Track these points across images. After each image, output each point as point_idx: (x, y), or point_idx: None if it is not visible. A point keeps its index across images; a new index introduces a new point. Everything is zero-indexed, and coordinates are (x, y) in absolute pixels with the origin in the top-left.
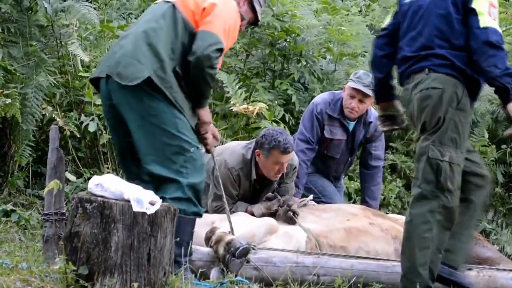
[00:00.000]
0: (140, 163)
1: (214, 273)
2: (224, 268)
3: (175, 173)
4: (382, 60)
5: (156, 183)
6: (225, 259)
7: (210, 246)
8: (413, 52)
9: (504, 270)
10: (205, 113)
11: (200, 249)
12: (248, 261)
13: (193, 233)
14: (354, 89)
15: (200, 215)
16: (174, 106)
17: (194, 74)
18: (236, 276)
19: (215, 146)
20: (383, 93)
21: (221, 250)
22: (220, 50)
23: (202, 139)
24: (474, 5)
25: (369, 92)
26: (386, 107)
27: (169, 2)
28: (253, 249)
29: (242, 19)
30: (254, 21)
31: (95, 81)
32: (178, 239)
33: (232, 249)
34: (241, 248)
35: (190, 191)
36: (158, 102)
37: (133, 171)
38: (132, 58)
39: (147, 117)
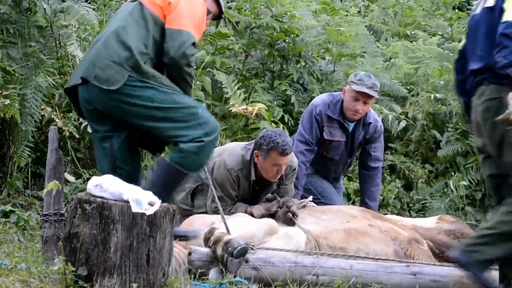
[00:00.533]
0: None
1: (213, 273)
2: (223, 268)
3: (192, 129)
4: (462, 84)
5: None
6: (224, 259)
7: (209, 247)
8: (476, 66)
9: None
10: None
11: (199, 250)
12: (246, 261)
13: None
14: (358, 92)
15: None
16: (163, 87)
17: (172, 75)
18: (234, 276)
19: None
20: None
21: (219, 250)
22: (193, 44)
23: None
24: (504, 4)
25: (373, 93)
26: None
27: (134, 1)
28: (252, 249)
29: (209, 12)
30: (218, 15)
31: (71, 90)
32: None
33: (230, 249)
34: (239, 247)
35: (210, 132)
36: (147, 89)
37: (104, 171)
38: (106, 59)
39: (145, 106)
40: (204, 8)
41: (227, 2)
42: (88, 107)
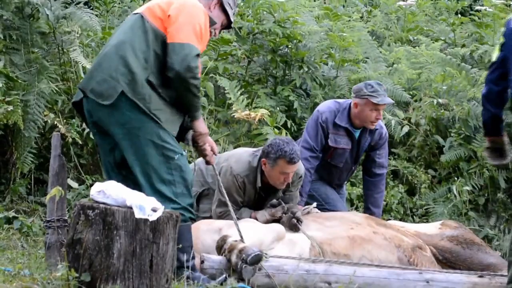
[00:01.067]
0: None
1: (246, 271)
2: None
3: (164, 184)
4: (499, 95)
5: (147, 194)
6: (238, 266)
7: (222, 254)
8: None
9: None
10: (200, 125)
11: (211, 257)
12: (260, 269)
13: (192, 238)
14: (380, 104)
15: (194, 220)
16: (149, 117)
17: (178, 89)
18: (248, 283)
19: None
20: (495, 127)
21: (233, 258)
22: (197, 55)
23: (200, 151)
24: None
25: (391, 101)
26: (496, 140)
27: (137, 13)
28: (265, 256)
29: (213, 23)
30: (227, 24)
31: (78, 104)
32: (181, 245)
33: (244, 256)
34: (253, 255)
35: (181, 199)
36: (138, 113)
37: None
38: (104, 74)
39: (130, 129)
40: (206, 18)
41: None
42: (90, 119)
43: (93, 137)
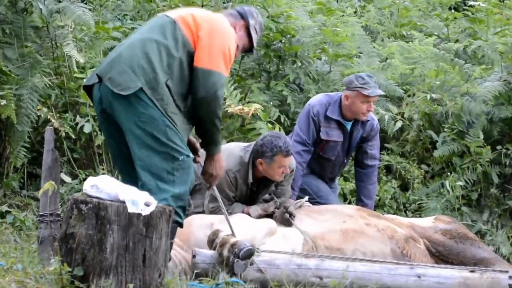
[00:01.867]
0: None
1: (237, 266)
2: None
3: (163, 181)
4: None
5: (145, 189)
6: (230, 260)
7: (214, 249)
8: None
9: (507, 272)
10: (215, 163)
11: (203, 252)
12: (252, 263)
13: (173, 243)
14: (371, 96)
15: (181, 226)
16: (164, 117)
17: (201, 117)
18: (240, 277)
19: None
20: None
21: (225, 252)
22: (223, 85)
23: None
24: None
25: (382, 92)
26: None
27: (169, 17)
28: (257, 251)
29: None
30: (249, 48)
31: (88, 88)
32: None
33: (236, 250)
34: (245, 249)
35: (174, 200)
36: (149, 109)
37: (129, 174)
38: (126, 65)
39: (138, 123)
40: (234, 42)
41: (223, 2)
42: (98, 106)
43: (99, 127)
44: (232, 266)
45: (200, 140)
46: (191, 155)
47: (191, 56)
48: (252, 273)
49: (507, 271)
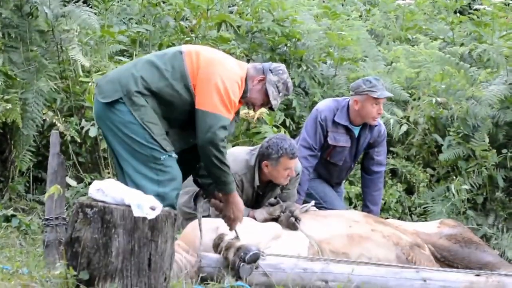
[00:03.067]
0: None
1: (243, 270)
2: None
3: (148, 180)
4: None
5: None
6: (235, 264)
7: (219, 253)
8: None
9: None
10: (228, 206)
11: (208, 255)
12: (257, 267)
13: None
14: (380, 98)
15: None
16: (141, 124)
17: (204, 160)
18: (246, 281)
19: None
20: None
21: (231, 256)
22: (223, 127)
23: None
24: None
25: (390, 94)
26: None
27: (180, 48)
28: (262, 255)
29: (244, 95)
30: (267, 104)
31: None
32: None
33: (242, 254)
34: (251, 253)
35: (159, 200)
36: (128, 116)
37: (122, 176)
38: (115, 77)
39: (119, 127)
40: (236, 85)
41: (229, 6)
42: (94, 114)
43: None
44: (238, 270)
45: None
46: (174, 155)
47: (188, 90)
48: (258, 277)
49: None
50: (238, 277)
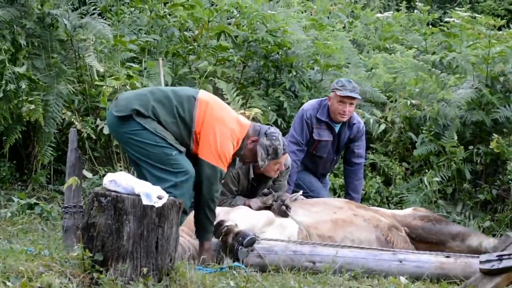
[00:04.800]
0: None
1: (241, 253)
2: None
3: (167, 173)
4: None
5: (150, 180)
6: (234, 248)
7: (218, 237)
8: None
9: (478, 257)
10: (202, 251)
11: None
12: (253, 250)
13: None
14: (344, 96)
15: (186, 213)
16: (153, 132)
17: (198, 207)
18: (242, 263)
19: None
20: None
21: (230, 240)
22: (221, 177)
23: None
24: None
25: (355, 95)
26: None
27: (195, 93)
28: (258, 240)
29: (238, 153)
30: (254, 162)
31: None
32: None
33: (240, 239)
34: (248, 238)
35: (178, 190)
36: (139, 126)
37: (138, 172)
38: (133, 96)
39: (131, 136)
40: (231, 146)
41: (227, 19)
42: (106, 122)
43: None
44: (236, 252)
45: None
46: (183, 150)
47: (189, 133)
48: (253, 259)
49: (478, 256)
50: (236, 259)
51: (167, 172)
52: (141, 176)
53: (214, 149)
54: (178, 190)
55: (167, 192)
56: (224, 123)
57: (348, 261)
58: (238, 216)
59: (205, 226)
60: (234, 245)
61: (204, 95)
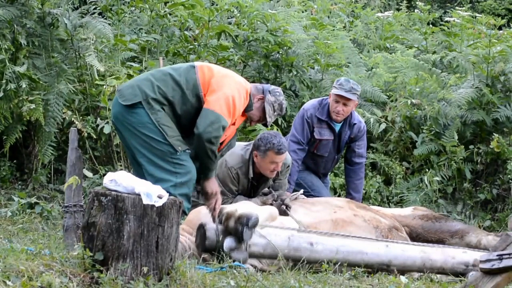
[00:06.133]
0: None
1: (227, 242)
2: (237, 238)
3: (167, 173)
4: None
5: (152, 182)
6: (238, 230)
7: (220, 222)
8: None
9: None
10: (210, 184)
11: (209, 224)
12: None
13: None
14: (337, 95)
15: (185, 213)
16: (157, 125)
17: (197, 148)
18: (247, 244)
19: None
20: None
21: (231, 224)
22: (222, 127)
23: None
24: None
25: (350, 96)
26: None
27: (192, 63)
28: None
29: (249, 109)
30: (262, 120)
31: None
32: None
33: (244, 220)
34: (253, 218)
35: (176, 189)
36: (145, 117)
37: (135, 169)
38: (135, 84)
39: (137, 128)
40: (242, 96)
41: (228, 18)
42: (111, 117)
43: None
44: (241, 234)
45: None
46: (188, 151)
47: (198, 98)
48: (256, 239)
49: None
50: (240, 240)
51: (167, 172)
52: (140, 175)
53: (222, 99)
54: (177, 191)
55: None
56: (231, 77)
57: (341, 243)
58: (242, 209)
59: (209, 166)
60: (237, 228)
61: (202, 63)
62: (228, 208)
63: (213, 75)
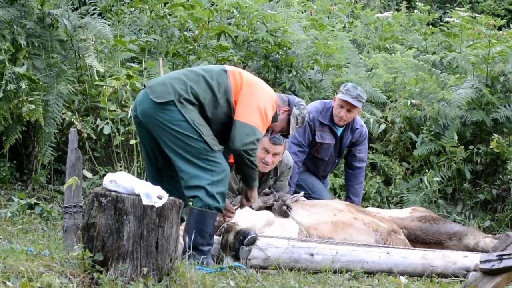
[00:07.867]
0: (163, 172)
1: (227, 261)
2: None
3: (202, 170)
4: None
5: (186, 179)
6: (235, 246)
7: (219, 235)
8: None
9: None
10: (253, 194)
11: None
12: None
13: (215, 226)
14: (343, 100)
15: (221, 211)
16: (192, 124)
17: (237, 161)
18: (245, 262)
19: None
20: None
21: (231, 238)
22: (257, 140)
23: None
24: None
25: (355, 103)
26: None
27: (224, 68)
28: (258, 239)
29: (275, 120)
30: (285, 132)
31: None
32: (201, 230)
33: (241, 237)
34: (249, 237)
35: (215, 188)
36: (179, 116)
37: (156, 179)
38: (167, 81)
39: (169, 125)
40: (272, 106)
41: (228, 19)
42: (135, 111)
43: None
44: (237, 251)
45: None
46: (221, 148)
47: (229, 104)
48: (255, 252)
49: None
50: (237, 258)
51: (202, 169)
52: (156, 175)
53: (256, 111)
54: (215, 189)
55: (202, 189)
56: (262, 87)
57: (342, 253)
58: (239, 216)
59: (252, 175)
60: (235, 243)
61: (233, 68)
62: (229, 220)
63: (243, 82)
